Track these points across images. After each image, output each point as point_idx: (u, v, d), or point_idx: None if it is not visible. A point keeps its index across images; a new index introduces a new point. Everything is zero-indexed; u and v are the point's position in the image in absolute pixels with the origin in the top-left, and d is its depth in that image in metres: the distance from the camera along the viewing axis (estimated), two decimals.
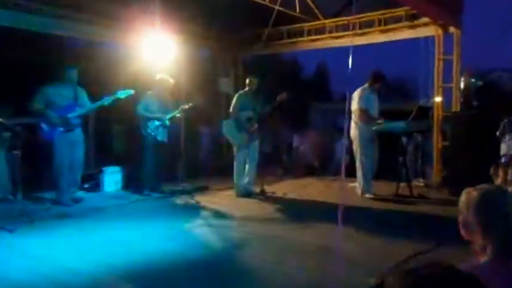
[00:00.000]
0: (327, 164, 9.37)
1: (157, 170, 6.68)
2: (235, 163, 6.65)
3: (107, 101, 5.97)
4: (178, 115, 6.64)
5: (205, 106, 7.67)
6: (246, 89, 6.72)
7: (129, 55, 6.07)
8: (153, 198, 6.44)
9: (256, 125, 6.62)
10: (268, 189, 6.81)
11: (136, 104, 6.52)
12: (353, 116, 6.45)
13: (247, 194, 6.57)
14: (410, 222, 5.14)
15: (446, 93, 7.24)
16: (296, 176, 8.59)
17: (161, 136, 6.61)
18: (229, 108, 6.75)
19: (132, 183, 6.95)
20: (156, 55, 6.22)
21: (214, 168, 8.90)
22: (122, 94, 6.00)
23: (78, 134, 6.00)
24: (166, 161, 6.88)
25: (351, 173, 6.50)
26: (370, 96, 6.48)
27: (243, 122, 6.51)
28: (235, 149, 6.67)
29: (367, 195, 6.36)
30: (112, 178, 6.95)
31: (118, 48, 6.34)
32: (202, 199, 6.22)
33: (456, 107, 6.97)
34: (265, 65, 11.08)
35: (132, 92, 6.08)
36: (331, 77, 22.97)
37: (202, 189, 6.98)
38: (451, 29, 7.19)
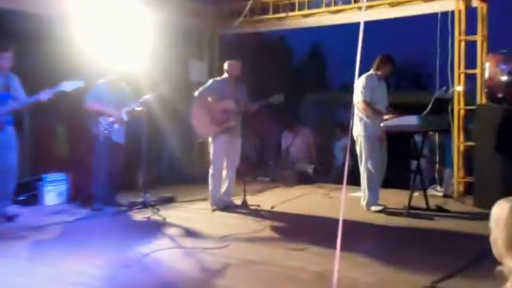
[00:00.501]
0: (324, 169, 9.38)
1: (111, 177, 6.61)
2: (210, 168, 6.60)
3: (47, 94, 5.79)
4: (138, 109, 6.55)
5: (173, 97, 7.59)
6: (225, 75, 6.68)
7: (79, 32, 5.94)
8: (107, 213, 6.38)
9: (236, 121, 6.57)
10: (252, 201, 6.79)
11: (85, 95, 6.41)
12: (356, 110, 6.43)
13: (225, 207, 6.55)
14: (426, 242, 5.16)
15: (470, 82, 7.28)
16: (286, 184, 8.57)
17: (116, 135, 6.53)
18: None
19: (79, 195, 6.90)
20: (113, 32, 6.10)
21: (184, 175, 8.84)
22: (67, 86, 5.84)
23: (9, 134, 5.87)
24: (123, 167, 6.82)
25: (354, 180, 6.50)
26: (377, 85, 6.49)
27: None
28: (211, 150, 6.59)
29: (373, 209, 6.37)
30: (54, 188, 6.89)
31: (64, 23, 6.17)
32: (169, 214, 6.18)
33: (482, 98, 7.01)
34: (247, 47, 11.03)
35: (81, 83, 5.96)
36: (327, 61, 23.05)
37: (169, 202, 6.98)
38: (475, 2, 7.22)
